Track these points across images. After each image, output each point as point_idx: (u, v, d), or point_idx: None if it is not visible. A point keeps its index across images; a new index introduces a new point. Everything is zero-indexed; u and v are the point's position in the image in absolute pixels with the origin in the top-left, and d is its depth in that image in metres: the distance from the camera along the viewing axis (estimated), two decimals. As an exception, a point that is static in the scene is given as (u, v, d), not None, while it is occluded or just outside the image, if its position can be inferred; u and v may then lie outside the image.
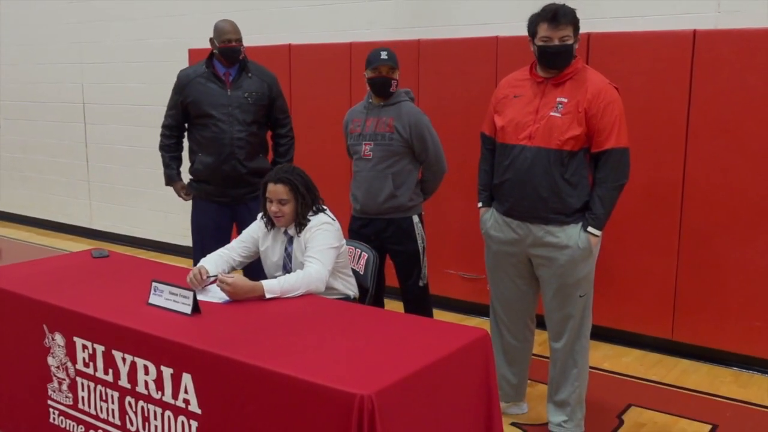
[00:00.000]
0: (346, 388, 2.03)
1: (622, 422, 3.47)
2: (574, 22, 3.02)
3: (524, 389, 3.56)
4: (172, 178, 4.29)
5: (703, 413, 3.59)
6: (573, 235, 3.08)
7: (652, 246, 4.27)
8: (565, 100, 3.04)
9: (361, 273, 3.51)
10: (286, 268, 3.23)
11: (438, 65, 4.94)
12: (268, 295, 2.88)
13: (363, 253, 3.54)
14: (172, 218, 6.98)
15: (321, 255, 3.06)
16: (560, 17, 2.99)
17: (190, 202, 4.37)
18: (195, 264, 4.04)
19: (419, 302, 3.84)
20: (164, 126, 4.25)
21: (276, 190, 3.13)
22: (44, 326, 2.89)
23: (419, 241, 3.78)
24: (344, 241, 3.27)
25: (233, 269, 3.32)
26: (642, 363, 4.20)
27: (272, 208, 3.13)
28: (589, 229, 3.07)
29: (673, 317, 4.25)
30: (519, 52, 4.46)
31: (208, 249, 3.95)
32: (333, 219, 3.21)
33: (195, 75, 4.10)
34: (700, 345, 4.21)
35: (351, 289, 3.33)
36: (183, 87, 4.11)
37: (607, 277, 4.24)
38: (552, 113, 3.05)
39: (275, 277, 3.20)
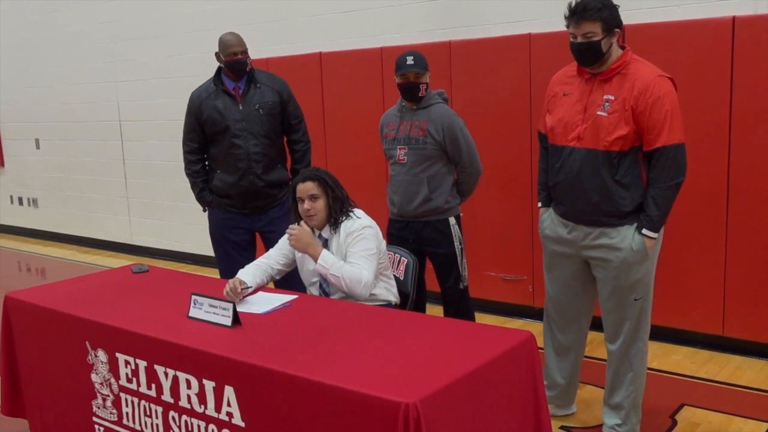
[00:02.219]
0: (390, 397, 1.99)
1: (675, 423, 3.36)
2: (602, 17, 2.85)
3: (574, 392, 3.49)
4: (207, 201, 4.15)
5: (759, 411, 3.46)
6: (627, 236, 2.96)
7: (699, 241, 4.15)
8: (612, 98, 2.90)
9: (401, 278, 3.47)
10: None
11: (470, 66, 4.88)
12: (319, 262, 2.97)
13: (403, 258, 3.50)
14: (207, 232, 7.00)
15: (365, 261, 3.04)
16: (581, 13, 2.87)
17: None
18: (222, 274, 4.20)
19: (460, 305, 3.81)
20: (187, 152, 4.13)
21: (305, 187, 3.14)
22: (87, 343, 2.90)
23: (456, 243, 3.75)
24: (384, 243, 3.24)
25: (272, 279, 3.31)
26: (693, 361, 4.08)
27: (304, 206, 3.12)
28: (644, 231, 2.93)
29: (724, 313, 4.12)
30: (553, 49, 4.42)
31: (232, 260, 4.05)
32: (372, 221, 3.18)
33: (206, 94, 4.02)
34: (752, 340, 4.07)
35: (392, 293, 3.29)
36: (197, 107, 4.03)
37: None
38: (599, 112, 2.92)
39: (313, 284, 3.21)
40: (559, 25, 4.45)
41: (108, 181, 7.95)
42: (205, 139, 4.06)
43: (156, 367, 2.64)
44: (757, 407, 3.51)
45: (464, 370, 2.16)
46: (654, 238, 2.94)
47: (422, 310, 3.87)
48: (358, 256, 3.06)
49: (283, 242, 3.32)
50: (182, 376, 2.55)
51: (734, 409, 3.49)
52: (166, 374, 2.61)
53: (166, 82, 7.05)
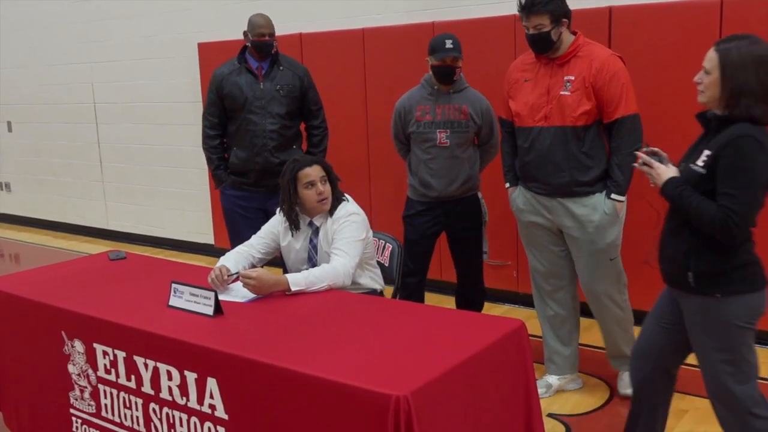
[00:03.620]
0: (380, 389, 1.93)
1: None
2: (549, 10, 3.14)
3: (577, 361, 3.65)
4: (222, 179, 4.19)
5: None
6: (598, 203, 3.27)
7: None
8: (573, 78, 3.20)
9: (386, 265, 3.40)
10: (312, 261, 3.13)
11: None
12: (293, 288, 2.79)
13: (387, 244, 3.44)
14: (189, 216, 6.91)
15: (348, 248, 2.96)
16: (529, 8, 3.17)
17: (207, 199, 4.31)
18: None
19: (478, 277, 3.95)
20: (206, 126, 4.18)
21: (314, 171, 3.06)
22: (63, 333, 2.81)
23: (483, 216, 3.90)
24: (371, 231, 3.16)
25: (253, 267, 3.22)
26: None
27: (319, 188, 3.04)
28: (613, 195, 3.26)
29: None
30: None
31: (243, 235, 3.98)
32: (359, 209, 3.11)
33: (229, 70, 4.10)
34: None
35: (377, 282, 3.23)
36: (219, 83, 4.09)
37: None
38: (562, 92, 3.21)
39: (300, 271, 3.12)
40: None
41: (83, 164, 7.79)
42: (225, 116, 4.14)
43: (135, 358, 2.56)
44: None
45: (455, 361, 2.10)
46: (622, 201, 3.28)
47: (421, 294, 3.95)
48: (342, 242, 2.99)
49: (265, 230, 3.24)
50: (163, 368, 2.47)
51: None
52: (146, 365, 2.53)
53: (141, 64, 6.89)
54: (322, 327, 2.46)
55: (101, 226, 7.78)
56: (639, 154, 2.48)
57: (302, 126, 4.30)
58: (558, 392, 3.59)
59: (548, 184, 3.32)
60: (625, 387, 3.49)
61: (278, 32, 5.65)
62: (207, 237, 6.74)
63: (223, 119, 4.14)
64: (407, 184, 3.91)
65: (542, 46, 3.23)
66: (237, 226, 4.19)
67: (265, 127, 4.02)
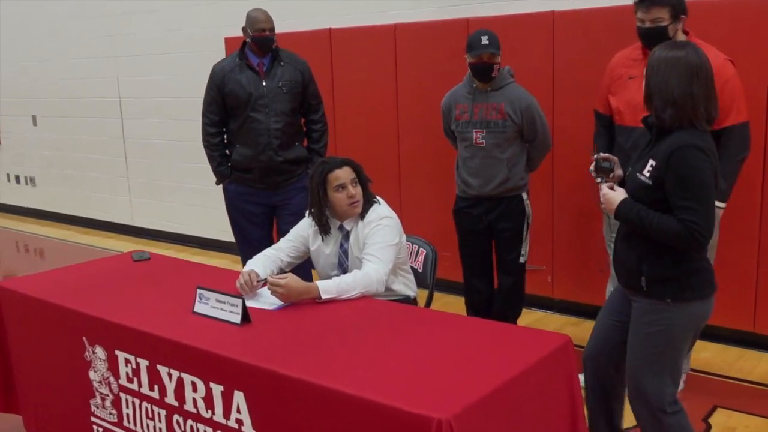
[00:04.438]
0: (421, 411, 1.79)
1: (709, 426, 3.17)
2: (671, 3, 3.03)
3: None
4: (225, 175, 4.14)
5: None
6: None
7: (730, 232, 3.92)
8: None
9: (420, 270, 3.26)
10: (342, 266, 2.99)
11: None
12: (324, 296, 2.66)
13: (421, 249, 3.29)
14: (212, 213, 6.79)
15: (381, 253, 2.82)
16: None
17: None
18: (240, 250, 4.23)
19: (516, 278, 3.84)
20: (206, 124, 4.12)
21: (344, 172, 2.92)
22: (84, 339, 2.70)
23: (526, 218, 3.76)
24: (404, 235, 3.02)
25: (282, 271, 3.09)
26: (723, 359, 3.87)
27: (350, 191, 2.90)
28: (716, 202, 2.98)
29: (755, 308, 3.91)
30: (577, 26, 4.20)
31: (247, 231, 4.15)
32: (392, 212, 2.97)
33: (230, 67, 4.02)
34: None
35: (411, 288, 3.09)
36: (219, 80, 4.02)
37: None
38: None
39: (330, 277, 2.99)
40: (584, 1, 4.25)
41: (108, 159, 7.72)
42: (226, 113, 4.07)
43: (159, 367, 2.44)
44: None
45: (500, 380, 1.96)
46: (723, 208, 3.16)
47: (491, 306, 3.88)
48: (375, 247, 2.85)
49: (294, 233, 3.11)
50: (188, 378, 2.35)
51: (770, 411, 3.30)
52: (170, 375, 2.41)
53: (168, 58, 6.80)
54: (356, 339, 2.33)
55: (126, 222, 7.71)
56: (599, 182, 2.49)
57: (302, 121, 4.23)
58: None
59: None
60: None
61: (306, 27, 5.55)
62: (231, 235, 6.60)
63: (224, 116, 4.07)
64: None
65: (657, 40, 2.92)
66: (241, 222, 4.19)
67: (269, 126, 3.95)
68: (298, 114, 4.13)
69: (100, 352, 2.65)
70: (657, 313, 2.38)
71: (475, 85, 3.63)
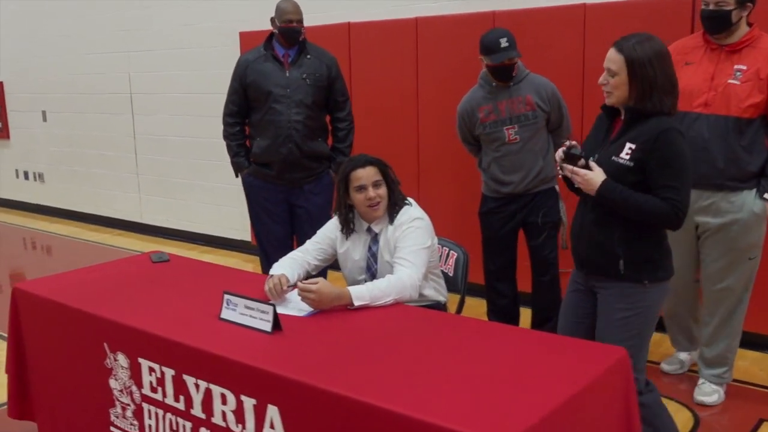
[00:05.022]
0: (476, 433, 1.65)
1: (757, 441, 3.03)
2: None
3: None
4: (242, 166, 4.05)
5: None
6: (747, 200, 3.11)
7: None
8: (744, 68, 3.03)
9: (450, 275, 3.13)
10: (371, 270, 2.86)
11: (516, 39, 4.48)
12: (356, 303, 2.53)
13: (452, 251, 3.16)
14: (225, 211, 6.68)
15: (414, 257, 2.69)
16: None
17: (243, 195, 4.20)
18: (260, 246, 4.14)
19: (552, 276, 3.77)
20: (227, 114, 4.05)
21: (367, 173, 2.78)
22: (105, 345, 2.57)
23: (561, 208, 3.74)
24: (436, 238, 2.89)
25: (308, 274, 2.96)
26: (762, 367, 3.72)
27: (369, 194, 2.77)
28: (766, 195, 3.09)
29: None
30: (610, 20, 4.05)
31: (268, 227, 4.04)
32: (424, 213, 2.83)
33: (254, 57, 3.96)
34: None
35: (441, 293, 2.96)
36: (242, 71, 3.96)
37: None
38: (730, 81, 3.05)
39: (358, 282, 2.86)
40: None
41: (117, 156, 7.59)
42: (247, 105, 3.98)
43: (185, 377, 2.31)
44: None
45: (557, 399, 1.82)
46: None
47: (515, 313, 3.83)
48: (407, 251, 2.71)
49: (321, 235, 2.98)
50: (216, 390, 2.22)
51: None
52: (197, 386, 2.28)
53: (180, 53, 6.66)
54: (396, 350, 2.19)
55: (135, 219, 7.59)
56: (565, 166, 2.47)
57: (328, 119, 4.13)
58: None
59: (698, 174, 3.05)
60: (702, 395, 3.37)
61: (325, 21, 5.41)
62: (243, 233, 6.50)
63: (244, 108, 3.99)
64: (481, 181, 3.78)
65: (718, 25, 3.03)
66: (262, 218, 4.09)
67: (290, 117, 3.86)
68: (323, 109, 4.03)
69: (122, 360, 2.52)
70: (634, 296, 2.44)
71: (494, 84, 3.55)
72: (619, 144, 2.40)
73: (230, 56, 6.09)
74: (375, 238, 2.85)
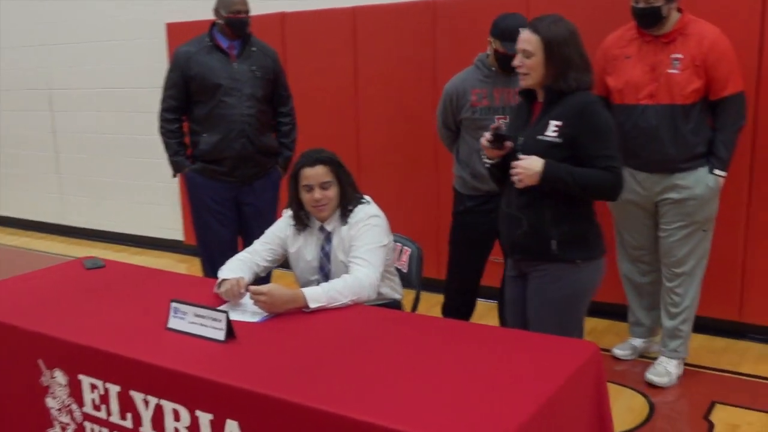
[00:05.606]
0: (457, 442, 1.56)
1: (712, 425, 3.04)
2: None
3: (658, 324, 3.66)
4: (182, 165, 3.82)
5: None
6: (701, 178, 3.24)
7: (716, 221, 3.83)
8: (681, 56, 3.16)
9: (405, 271, 3.03)
10: (324, 271, 2.73)
11: (456, 27, 4.42)
12: (312, 305, 2.39)
13: (405, 247, 3.06)
14: (154, 211, 6.41)
15: (370, 256, 2.57)
16: None
17: (176, 192, 4.00)
18: (204, 250, 3.87)
19: None
20: (165, 109, 3.81)
21: (316, 173, 2.64)
22: (40, 362, 2.36)
23: None
24: (392, 236, 2.78)
25: (258, 277, 2.81)
26: (711, 350, 3.77)
27: (315, 195, 2.64)
28: (716, 171, 3.24)
29: (741, 296, 3.83)
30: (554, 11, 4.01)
31: (213, 229, 3.82)
32: (379, 211, 2.72)
33: (196, 49, 3.72)
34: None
35: (397, 291, 2.86)
36: (183, 63, 3.71)
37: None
38: (669, 70, 3.18)
39: (311, 283, 2.73)
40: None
41: (37, 155, 7.19)
42: (187, 98, 3.76)
43: (132, 393, 2.13)
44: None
45: (536, 402, 1.73)
46: (724, 177, 3.25)
47: (471, 307, 3.64)
48: (363, 250, 2.60)
49: (271, 234, 2.83)
50: (168, 406, 2.05)
51: None
52: (146, 402, 2.11)
53: (103, 46, 6.34)
54: (359, 354, 2.07)
55: (57, 221, 7.21)
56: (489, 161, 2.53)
57: None
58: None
59: (652, 162, 3.28)
60: (656, 375, 3.44)
61: (257, 11, 5.20)
62: (175, 233, 6.26)
63: (184, 102, 3.78)
64: (454, 176, 3.52)
65: (651, 21, 3.17)
66: (206, 219, 3.85)
67: (242, 111, 3.69)
68: (270, 104, 3.86)
69: (59, 377, 2.32)
70: (567, 276, 2.47)
71: (494, 69, 3.31)
72: (543, 124, 2.43)
73: (157, 49, 5.86)
74: (328, 237, 2.72)
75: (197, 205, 3.87)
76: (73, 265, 3.14)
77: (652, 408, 3.22)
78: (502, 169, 2.58)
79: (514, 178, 2.43)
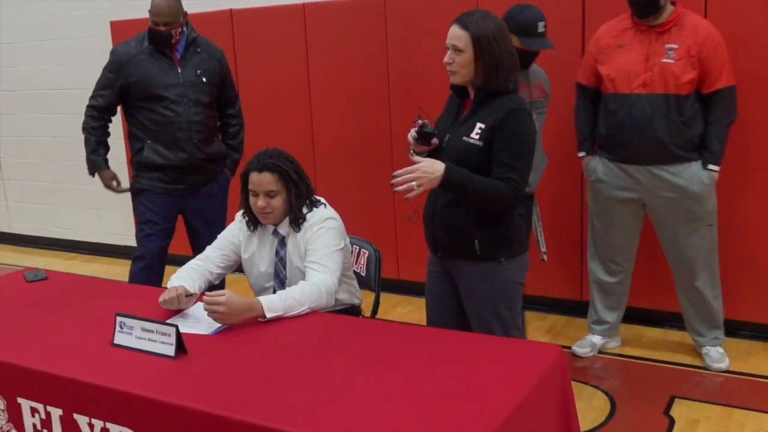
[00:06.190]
0: (423, 460, 1.48)
1: (673, 421, 3.02)
2: None
3: (619, 323, 3.70)
4: (98, 165, 3.65)
5: (759, 400, 3.16)
6: (695, 173, 3.25)
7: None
8: (676, 46, 3.17)
9: (363, 274, 2.95)
10: (279, 277, 2.64)
11: (407, 24, 4.35)
12: (268, 315, 2.30)
13: (363, 249, 2.98)
14: (105, 216, 6.21)
15: (327, 260, 2.48)
16: None
17: (127, 196, 3.84)
18: (136, 261, 3.65)
19: None
20: (92, 106, 3.63)
21: (262, 180, 2.52)
22: (-25, 385, 2.22)
23: (536, 215, 3.42)
24: (347, 238, 2.69)
25: (211, 285, 2.70)
26: (666, 344, 3.76)
27: (258, 202, 2.53)
28: (710, 166, 3.25)
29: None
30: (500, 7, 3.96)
31: (155, 245, 3.63)
32: (334, 212, 2.63)
33: (137, 51, 3.52)
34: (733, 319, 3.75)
35: (356, 296, 2.78)
36: (123, 65, 3.52)
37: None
38: (664, 60, 3.18)
39: (266, 289, 2.64)
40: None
41: (-23, 160, 6.93)
42: (118, 101, 3.59)
43: (76, 416, 2.01)
44: (756, 396, 3.21)
45: (504, 410, 1.67)
46: (718, 171, 3.26)
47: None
48: (319, 254, 2.51)
49: (223, 240, 2.72)
50: (114, 429, 1.94)
51: (729, 399, 3.19)
52: (91, 426, 1.98)
53: (46, 45, 6.11)
54: (320, 366, 1.98)
55: (3, 229, 6.95)
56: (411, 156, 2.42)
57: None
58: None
59: (643, 153, 3.26)
60: (715, 362, 3.46)
61: (206, 9, 5.08)
62: (127, 239, 6.06)
63: (115, 105, 3.64)
64: None
65: (648, 10, 3.18)
66: (147, 229, 3.65)
67: (189, 118, 3.52)
68: (216, 107, 3.71)
69: (-3, 401, 2.19)
70: (493, 274, 2.46)
71: None
72: (470, 124, 2.39)
73: (103, 48, 5.62)
74: (282, 242, 2.62)
75: (140, 215, 3.68)
76: (13, 278, 2.98)
77: (613, 404, 3.20)
78: None
79: (413, 183, 2.28)
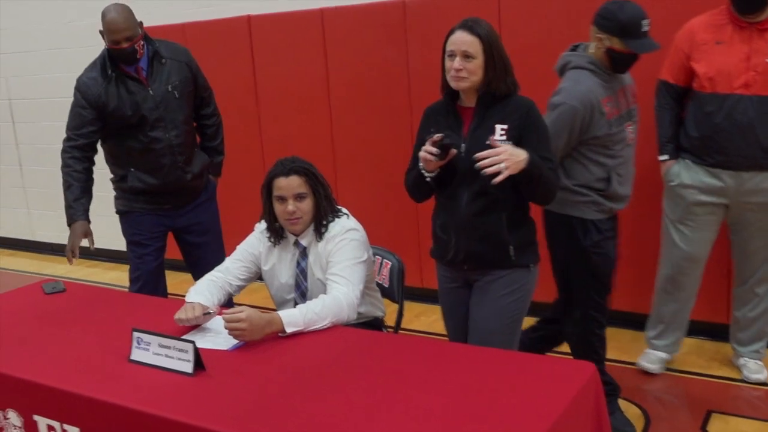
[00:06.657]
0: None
1: (710, 437, 2.92)
2: None
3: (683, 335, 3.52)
4: (76, 217, 3.31)
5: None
6: None
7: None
8: None
9: (386, 285, 2.87)
10: (300, 289, 2.57)
11: (428, 27, 4.27)
12: (288, 330, 2.23)
13: (385, 260, 2.90)
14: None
15: (349, 273, 2.41)
16: None
17: None
18: (134, 282, 3.54)
19: None
20: (73, 147, 3.30)
21: (290, 183, 2.47)
22: (-8, 402, 2.18)
23: None
24: (371, 250, 2.62)
25: (231, 297, 2.65)
26: (700, 355, 3.65)
27: (288, 208, 2.46)
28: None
29: (728, 299, 3.71)
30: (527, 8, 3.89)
31: (148, 266, 3.50)
32: (357, 223, 2.56)
33: (103, 79, 3.20)
34: None
35: (379, 308, 2.71)
36: (95, 97, 3.20)
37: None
38: None
39: (287, 302, 2.58)
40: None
41: (0, 168, 6.94)
42: (98, 136, 3.32)
43: (93, 435, 1.96)
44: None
45: (541, 427, 1.59)
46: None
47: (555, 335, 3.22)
48: (341, 267, 2.44)
49: (242, 251, 2.66)
50: (133, 449, 1.88)
51: (764, 413, 3.08)
52: (108, 445, 1.93)
53: (61, 54, 6.10)
54: (343, 383, 1.92)
55: (26, 237, 6.95)
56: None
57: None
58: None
59: (743, 158, 3.05)
60: (753, 372, 3.36)
61: (223, 14, 5.02)
62: (147, 246, 6.04)
63: (96, 140, 3.34)
64: (568, 202, 2.84)
65: (755, 5, 2.96)
66: (138, 250, 3.53)
67: (170, 142, 3.29)
68: (192, 117, 3.48)
69: (13, 418, 2.14)
70: (520, 280, 2.45)
71: (607, 73, 2.81)
72: (485, 128, 2.37)
73: (78, 79, 5.61)
74: (304, 253, 2.55)
75: (133, 241, 3.56)
76: (31, 290, 2.95)
77: (647, 418, 3.09)
78: (437, 181, 2.45)
79: (501, 166, 2.22)
